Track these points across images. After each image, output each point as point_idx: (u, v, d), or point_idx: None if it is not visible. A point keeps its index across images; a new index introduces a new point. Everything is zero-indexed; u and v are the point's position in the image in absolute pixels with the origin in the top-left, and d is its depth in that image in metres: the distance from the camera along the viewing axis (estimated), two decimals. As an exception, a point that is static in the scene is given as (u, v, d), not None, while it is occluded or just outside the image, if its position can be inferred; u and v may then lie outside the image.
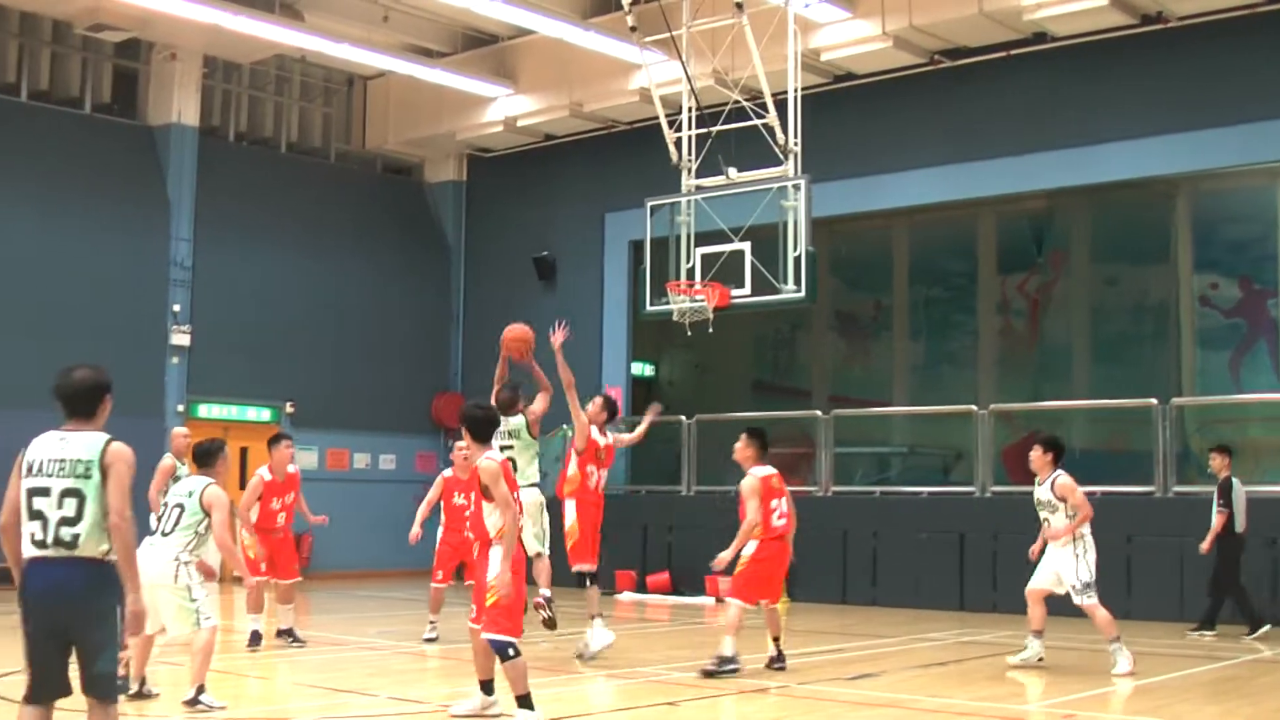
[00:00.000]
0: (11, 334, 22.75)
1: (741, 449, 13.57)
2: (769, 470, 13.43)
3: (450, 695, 11.24)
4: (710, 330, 18.55)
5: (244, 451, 25.26)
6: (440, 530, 15.89)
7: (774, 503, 13.29)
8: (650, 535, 23.50)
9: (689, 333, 18.82)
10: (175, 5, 21.93)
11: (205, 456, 11.33)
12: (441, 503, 15.83)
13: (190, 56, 25.45)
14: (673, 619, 19.82)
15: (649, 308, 19.28)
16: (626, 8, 19.36)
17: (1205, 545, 17.01)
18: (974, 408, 22.17)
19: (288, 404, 26.51)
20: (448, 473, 15.90)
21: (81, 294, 23.75)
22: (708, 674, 12.80)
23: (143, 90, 26.01)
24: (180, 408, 24.79)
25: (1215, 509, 17.08)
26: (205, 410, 25.17)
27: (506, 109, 26.40)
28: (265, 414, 26.33)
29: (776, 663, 13.43)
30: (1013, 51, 22.34)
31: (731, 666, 12.88)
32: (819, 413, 23.26)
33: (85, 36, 24.28)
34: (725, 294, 18.26)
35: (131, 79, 26.03)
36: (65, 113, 24.75)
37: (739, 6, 18.05)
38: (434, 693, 11.84)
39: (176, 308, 24.96)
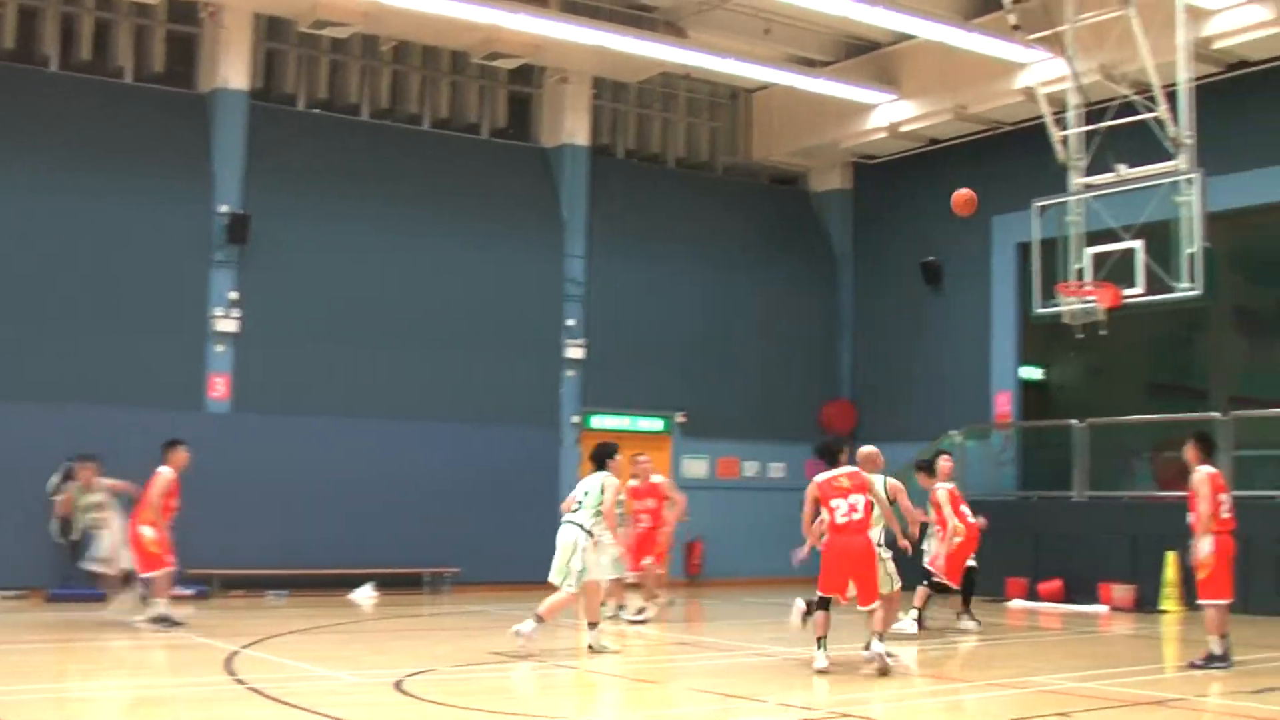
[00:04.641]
0: (413, 348, 23.94)
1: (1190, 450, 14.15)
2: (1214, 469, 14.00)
3: (841, 701, 11.33)
4: (1103, 332, 18.16)
5: (637, 460, 25.92)
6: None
7: (1221, 497, 13.85)
8: (1041, 542, 22.99)
9: (1080, 335, 18.46)
10: (565, 30, 22.77)
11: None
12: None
13: (580, 79, 26.32)
14: (1065, 628, 19.39)
15: (1039, 310, 19.01)
16: (1008, 6, 19.17)
17: None
18: (1388, 407, 20.97)
19: (679, 414, 27.00)
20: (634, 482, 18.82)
21: (484, 309, 24.84)
22: (1192, 665, 13.85)
23: (536, 113, 27.01)
24: (575, 419, 25.59)
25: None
26: (598, 421, 25.84)
27: (890, 115, 26.34)
28: (657, 424, 26.88)
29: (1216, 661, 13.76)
30: None
31: (1219, 664, 13.60)
32: (1218, 414, 22.32)
33: (481, 65, 25.37)
34: (1117, 294, 17.93)
35: (525, 103, 27.05)
36: (464, 138, 25.91)
37: (1125, -1, 17.67)
38: (822, 699, 11.91)
39: (571, 322, 25.79)
